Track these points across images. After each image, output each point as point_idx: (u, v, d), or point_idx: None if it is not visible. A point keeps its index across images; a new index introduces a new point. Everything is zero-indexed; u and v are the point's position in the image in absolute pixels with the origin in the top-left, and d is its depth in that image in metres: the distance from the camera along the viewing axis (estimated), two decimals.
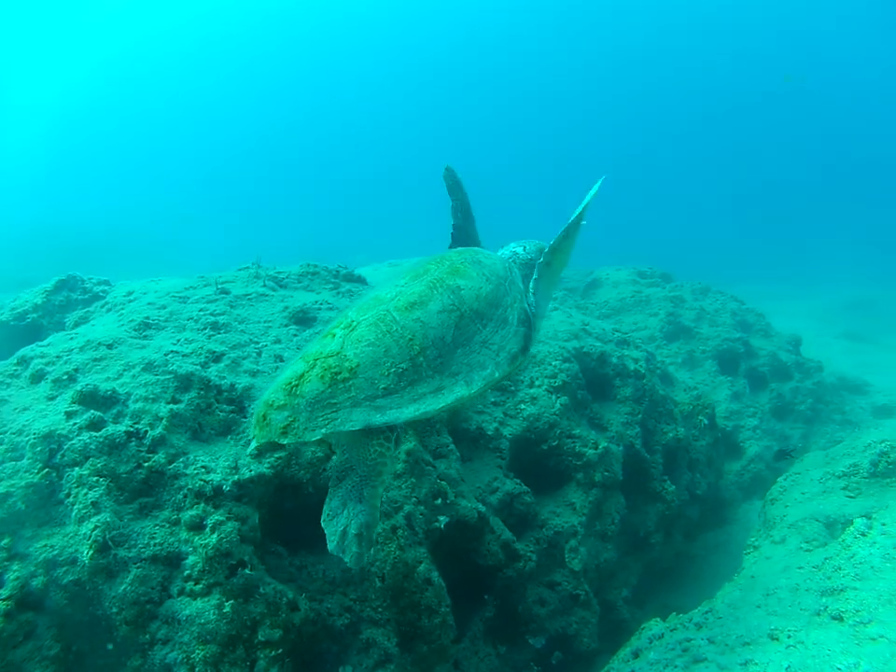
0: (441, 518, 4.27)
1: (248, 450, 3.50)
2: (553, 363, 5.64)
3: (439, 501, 4.30)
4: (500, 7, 76.11)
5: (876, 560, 3.73)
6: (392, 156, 69.60)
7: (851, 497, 5.68)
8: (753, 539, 5.89)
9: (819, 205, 59.80)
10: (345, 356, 3.08)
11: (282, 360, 4.60)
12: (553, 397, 5.42)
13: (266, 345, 4.75)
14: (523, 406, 5.34)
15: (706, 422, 7.07)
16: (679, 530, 6.76)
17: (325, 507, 3.09)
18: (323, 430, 2.96)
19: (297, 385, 3.06)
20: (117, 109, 61.71)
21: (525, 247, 3.97)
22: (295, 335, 5.01)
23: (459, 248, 3.84)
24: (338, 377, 3.03)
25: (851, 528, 4.28)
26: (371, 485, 3.10)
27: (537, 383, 5.52)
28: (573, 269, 16.58)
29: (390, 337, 3.13)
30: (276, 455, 3.91)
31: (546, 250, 3.57)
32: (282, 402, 3.03)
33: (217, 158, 62.19)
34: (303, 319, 5.24)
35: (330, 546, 2.98)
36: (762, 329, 11.97)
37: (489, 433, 5.06)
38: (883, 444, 5.77)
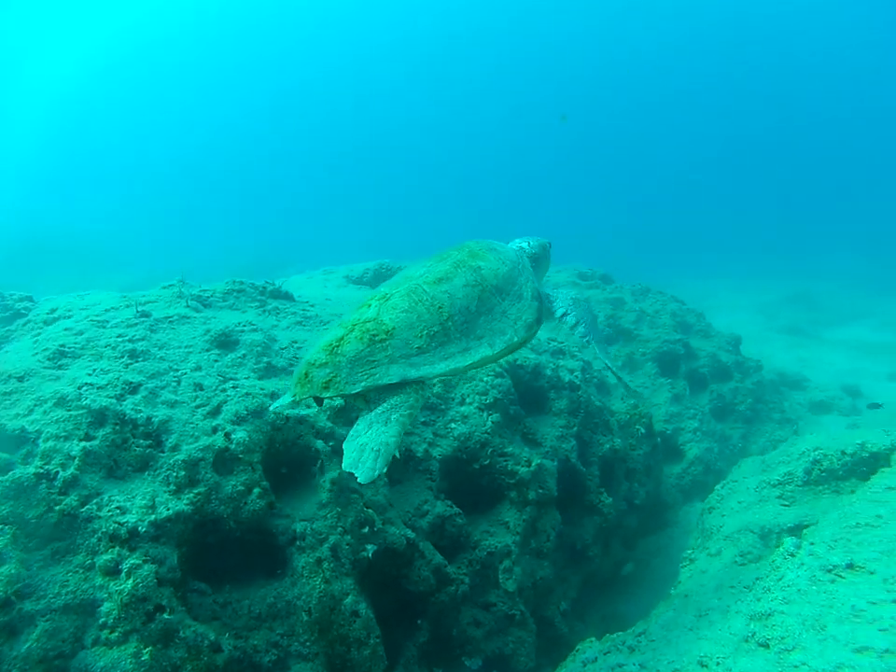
0: (369, 547, 4.26)
1: (276, 404, 3.83)
2: (485, 379, 5.64)
3: (366, 530, 4.29)
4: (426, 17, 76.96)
5: (803, 583, 3.80)
6: (323, 166, 70.01)
7: (786, 505, 5.83)
8: (690, 552, 6.00)
9: (761, 199, 61.20)
10: (382, 321, 3.52)
11: (201, 389, 4.53)
12: (485, 414, 5.43)
13: (185, 373, 4.67)
14: (453, 425, 5.34)
15: (643, 431, 7.14)
16: (617, 540, 6.85)
17: (351, 431, 3.32)
18: (363, 384, 3.35)
19: (337, 346, 3.45)
20: (63, 116, 60.59)
21: (529, 243, 4.69)
22: (216, 360, 4.94)
23: (476, 239, 4.33)
24: (376, 338, 3.45)
25: (781, 549, 4.36)
26: (400, 412, 3.36)
27: (468, 400, 5.52)
28: None
29: (422, 305, 3.59)
30: (195, 491, 3.85)
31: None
32: (323, 361, 3.43)
33: (161, 163, 61.40)
34: (225, 343, 5.17)
35: (345, 463, 3.15)
36: (702, 330, 12.14)
37: (418, 455, 5.04)
38: (816, 452, 5.94)
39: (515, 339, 3.75)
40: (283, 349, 5.29)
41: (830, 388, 13.67)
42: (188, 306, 5.79)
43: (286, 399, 3.67)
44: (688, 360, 10.68)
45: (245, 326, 5.42)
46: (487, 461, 5.31)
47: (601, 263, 15.56)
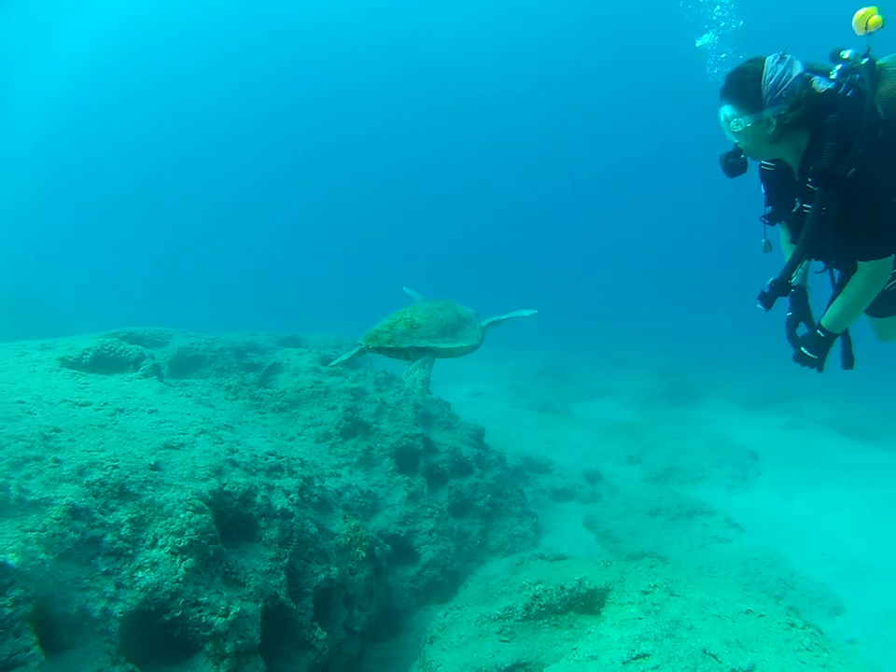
0: None
1: (338, 359, 8.30)
2: (182, 515, 5.36)
3: None
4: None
5: None
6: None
7: (505, 641, 6.18)
8: None
9: (514, 270, 65.50)
10: (414, 320, 6.99)
11: None
12: (178, 559, 5.14)
13: None
14: (140, 574, 4.98)
15: (364, 555, 7.12)
16: (339, 669, 6.75)
17: (404, 373, 6.72)
18: (408, 344, 6.75)
19: (393, 326, 6.93)
20: None
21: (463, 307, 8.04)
22: None
23: (444, 298, 8.08)
24: (412, 326, 6.91)
25: None
26: (429, 364, 6.81)
27: (160, 542, 5.19)
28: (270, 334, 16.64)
29: (433, 318, 7.09)
30: None
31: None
32: (385, 331, 6.87)
33: None
34: None
35: (406, 386, 6.51)
36: (445, 422, 12.46)
37: (94, 615, 4.66)
38: (537, 587, 6.47)
39: (475, 342, 7.34)
40: None
41: (573, 474, 14.52)
42: None
43: (352, 352, 7.37)
44: (428, 456, 10.88)
45: None
46: (179, 612, 5.03)
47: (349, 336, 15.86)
